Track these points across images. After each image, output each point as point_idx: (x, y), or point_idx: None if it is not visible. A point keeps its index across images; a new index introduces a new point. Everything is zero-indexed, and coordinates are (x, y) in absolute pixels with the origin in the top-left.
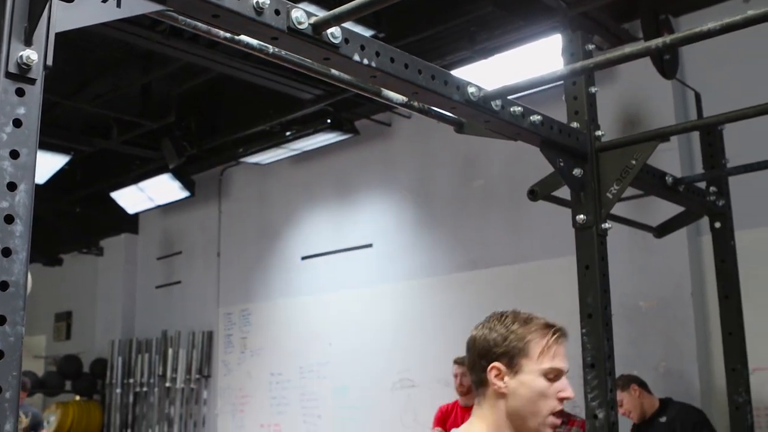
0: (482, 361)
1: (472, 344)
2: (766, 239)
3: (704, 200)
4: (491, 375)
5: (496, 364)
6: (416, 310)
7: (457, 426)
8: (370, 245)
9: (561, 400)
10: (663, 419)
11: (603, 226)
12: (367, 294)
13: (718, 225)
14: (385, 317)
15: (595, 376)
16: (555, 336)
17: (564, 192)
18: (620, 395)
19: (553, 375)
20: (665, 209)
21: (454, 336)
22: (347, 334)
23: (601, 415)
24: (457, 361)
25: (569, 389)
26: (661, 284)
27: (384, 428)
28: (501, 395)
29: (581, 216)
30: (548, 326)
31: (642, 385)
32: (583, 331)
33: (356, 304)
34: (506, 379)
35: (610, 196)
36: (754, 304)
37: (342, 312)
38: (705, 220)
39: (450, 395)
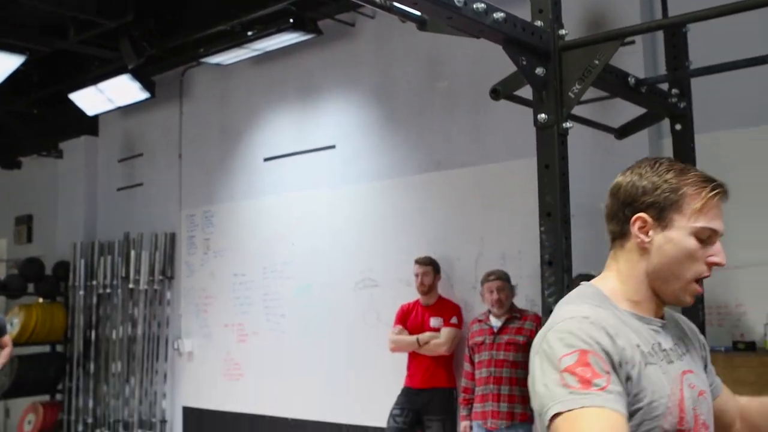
0: (626, 210)
1: (616, 191)
2: (725, 142)
3: (666, 102)
4: (635, 227)
5: (642, 215)
6: (379, 211)
7: (418, 324)
8: (333, 146)
9: (710, 265)
10: None
11: (564, 125)
12: (330, 195)
13: (678, 127)
14: (348, 218)
15: (552, 273)
16: (715, 192)
17: (526, 91)
18: None
19: (706, 236)
20: (627, 112)
21: (416, 237)
22: (310, 234)
23: None
24: (419, 261)
25: (722, 254)
26: None
27: (347, 327)
28: (643, 250)
29: (543, 115)
30: (708, 180)
31: None
32: (542, 229)
33: (319, 205)
34: (651, 233)
35: (572, 95)
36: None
37: (305, 213)
38: (666, 124)
39: (411, 294)
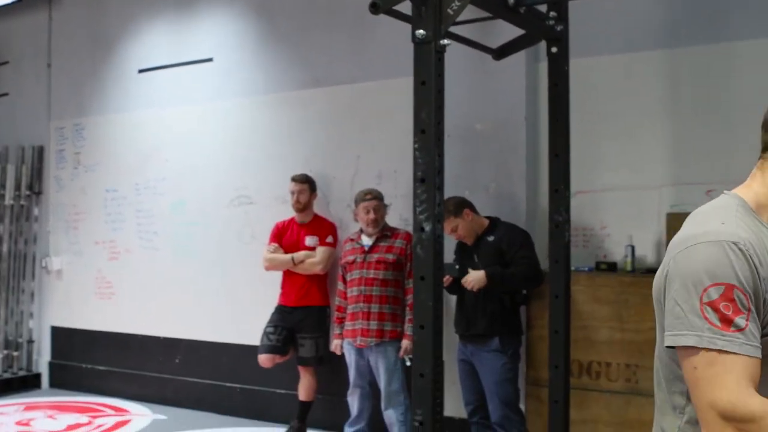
0: None
1: None
2: (599, 68)
3: (543, 24)
4: None
5: None
6: (256, 127)
7: (293, 242)
8: (210, 59)
9: None
10: (491, 238)
11: (442, 42)
12: (207, 110)
13: (554, 50)
14: (224, 133)
15: (424, 191)
16: None
17: (407, 7)
18: (454, 221)
19: None
20: (507, 34)
21: (293, 154)
22: (185, 150)
23: (427, 227)
24: (295, 179)
25: None
26: (497, 108)
27: (221, 244)
28: None
29: (421, 31)
30: None
31: (472, 207)
32: (416, 146)
33: (195, 120)
34: None
35: (451, 12)
36: (583, 132)
37: (180, 128)
38: (544, 48)
39: (287, 212)
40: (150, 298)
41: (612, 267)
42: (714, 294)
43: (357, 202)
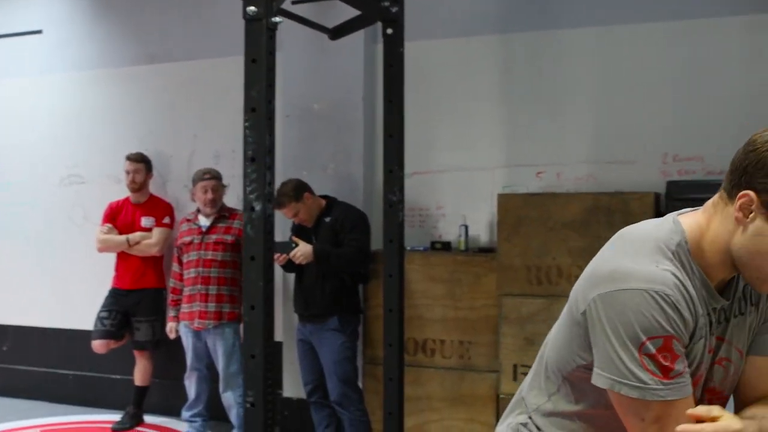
0: (743, 176)
1: (748, 149)
2: (433, 51)
3: (379, 5)
4: (740, 200)
5: (751, 193)
6: (88, 104)
7: (128, 222)
8: (39, 31)
9: None
10: (328, 219)
11: (273, 19)
12: (35, 83)
13: (390, 32)
14: (53, 109)
15: (255, 170)
16: None
17: None
18: (296, 206)
19: None
20: (345, 15)
21: (127, 132)
22: (12, 126)
23: (258, 207)
24: (131, 158)
25: None
26: (335, 87)
27: (51, 225)
28: (738, 223)
29: (252, 8)
30: None
31: (310, 190)
32: (246, 125)
33: (22, 95)
34: (752, 215)
35: None
36: (420, 113)
37: (6, 103)
38: (380, 29)
39: (121, 192)
40: None
41: (446, 246)
42: (652, 348)
43: (195, 181)
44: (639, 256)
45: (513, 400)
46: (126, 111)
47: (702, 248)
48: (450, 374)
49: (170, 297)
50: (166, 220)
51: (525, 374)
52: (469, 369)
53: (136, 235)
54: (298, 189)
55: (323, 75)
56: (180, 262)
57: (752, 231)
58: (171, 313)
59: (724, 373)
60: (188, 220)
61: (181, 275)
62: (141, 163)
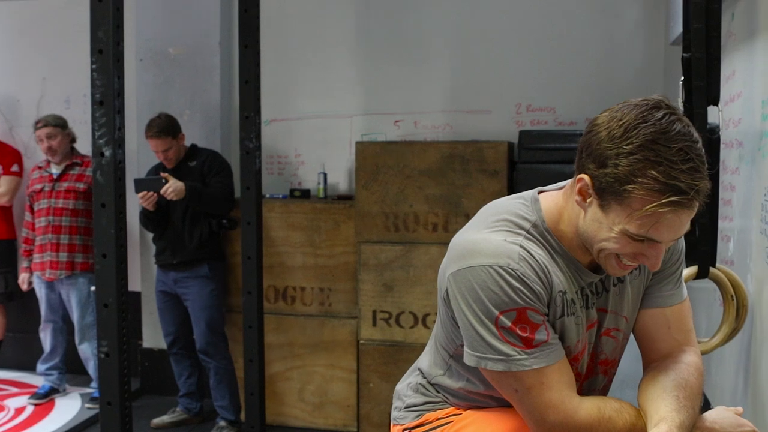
0: (583, 156)
1: (590, 129)
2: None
3: None
4: (578, 183)
5: (586, 178)
6: None
7: None
8: None
9: (637, 262)
10: (193, 163)
11: None
12: None
13: None
14: None
15: (103, 114)
16: (665, 208)
17: None
18: (170, 142)
19: (640, 239)
20: None
21: None
22: None
23: (107, 153)
24: None
25: (654, 260)
26: (192, 32)
27: None
28: (578, 205)
29: None
30: (665, 189)
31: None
32: (93, 67)
33: None
34: (589, 200)
35: None
36: (278, 59)
37: None
38: None
39: None
40: None
41: (305, 194)
42: (507, 321)
43: (34, 129)
44: (489, 231)
45: (410, 368)
46: None
47: (561, 228)
48: (311, 321)
49: (22, 247)
50: (14, 168)
51: (384, 320)
52: (329, 316)
53: None
54: (176, 126)
55: (179, 18)
56: (32, 211)
57: (591, 215)
58: (24, 263)
59: (614, 343)
60: (39, 168)
61: (33, 224)
62: None
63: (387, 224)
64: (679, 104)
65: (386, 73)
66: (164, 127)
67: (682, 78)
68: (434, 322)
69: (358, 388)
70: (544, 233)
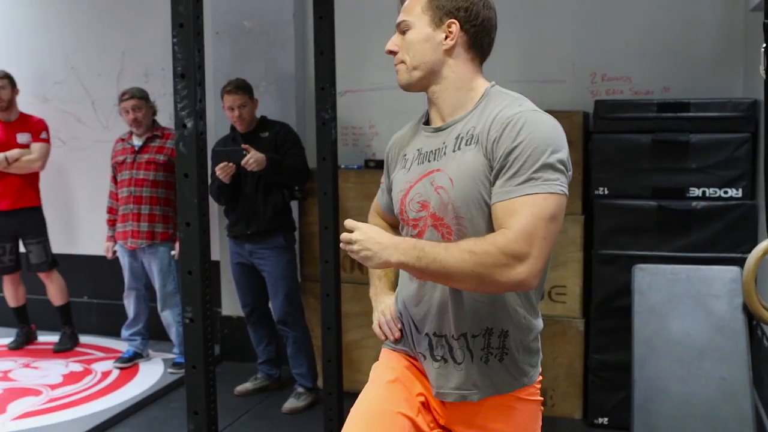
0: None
1: None
2: None
3: None
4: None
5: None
6: (14, 20)
7: (3, 142)
8: None
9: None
10: (265, 134)
11: None
12: None
13: None
14: None
15: (185, 86)
16: None
17: None
18: (246, 100)
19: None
20: None
21: (53, 48)
22: None
23: (189, 124)
24: None
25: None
26: (266, 4)
27: None
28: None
29: None
30: None
31: None
32: (174, 41)
33: None
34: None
35: None
36: (351, 31)
37: None
38: None
39: (45, 111)
40: None
41: (380, 164)
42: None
43: (119, 102)
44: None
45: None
46: (51, 25)
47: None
48: None
49: (108, 217)
50: (44, 135)
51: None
52: None
53: (14, 152)
54: (252, 88)
55: None
56: (115, 181)
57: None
58: (108, 233)
59: (439, 199)
60: (122, 140)
61: (117, 194)
62: (4, 79)
63: None
64: (761, 72)
65: None
66: (241, 84)
67: (764, 45)
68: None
69: None
70: (426, 111)
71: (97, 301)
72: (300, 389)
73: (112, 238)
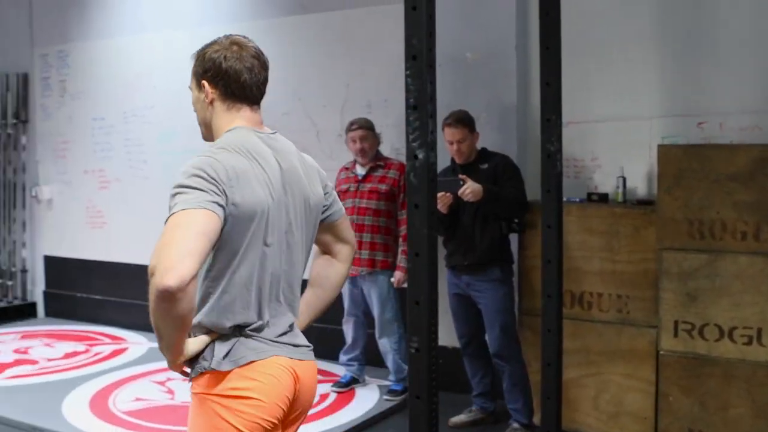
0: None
1: None
2: None
3: None
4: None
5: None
6: None
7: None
8: None
9: None
10: (485, 166)
11: None
12: (194, 35)
13: None
14: None
15: (417, 118)
16: None
17: None
18: (466, 135)
19: None
20: None
21: (281, 83)
22: (172, 77)
23: (421, 155)
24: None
25: None
26: (488, 36)
27: None
28: None
29: None
30: None
31: None
32: (407, 73)
33: (182, 46)
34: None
35: None
36: (574, 61)
37: (167, 54)
38: None
39: None
40: (141, 227)
41: (603, 198)
42: None
43: (346, 131)
44: None
45: None
46: (279, 62)
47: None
48: (607, 328)
49: None
50: None
51: (686, 331)
52: (627, 323)
53: None
54: (473, 120)
55: (475, 23)
56: None
57: None
58: None
59: None
60: (346, 168)
61: None
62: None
63: (691, 231)
64: None
65: (688, 73)
66: (462, 118)
67: None
68: (745, 336)
69: (656, 400)
70: None
71: (317, 325)
72: (515, 425)
73: None
